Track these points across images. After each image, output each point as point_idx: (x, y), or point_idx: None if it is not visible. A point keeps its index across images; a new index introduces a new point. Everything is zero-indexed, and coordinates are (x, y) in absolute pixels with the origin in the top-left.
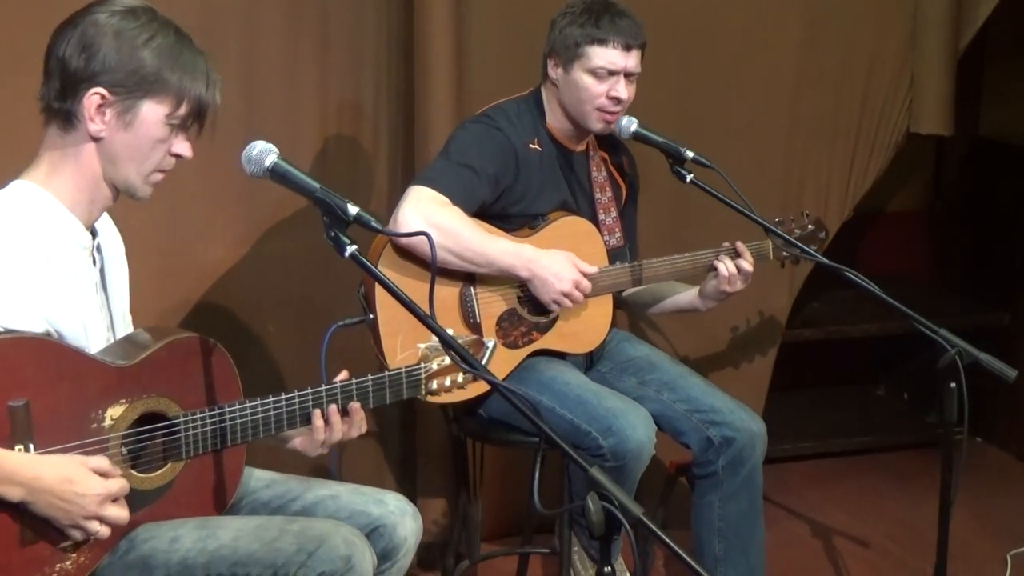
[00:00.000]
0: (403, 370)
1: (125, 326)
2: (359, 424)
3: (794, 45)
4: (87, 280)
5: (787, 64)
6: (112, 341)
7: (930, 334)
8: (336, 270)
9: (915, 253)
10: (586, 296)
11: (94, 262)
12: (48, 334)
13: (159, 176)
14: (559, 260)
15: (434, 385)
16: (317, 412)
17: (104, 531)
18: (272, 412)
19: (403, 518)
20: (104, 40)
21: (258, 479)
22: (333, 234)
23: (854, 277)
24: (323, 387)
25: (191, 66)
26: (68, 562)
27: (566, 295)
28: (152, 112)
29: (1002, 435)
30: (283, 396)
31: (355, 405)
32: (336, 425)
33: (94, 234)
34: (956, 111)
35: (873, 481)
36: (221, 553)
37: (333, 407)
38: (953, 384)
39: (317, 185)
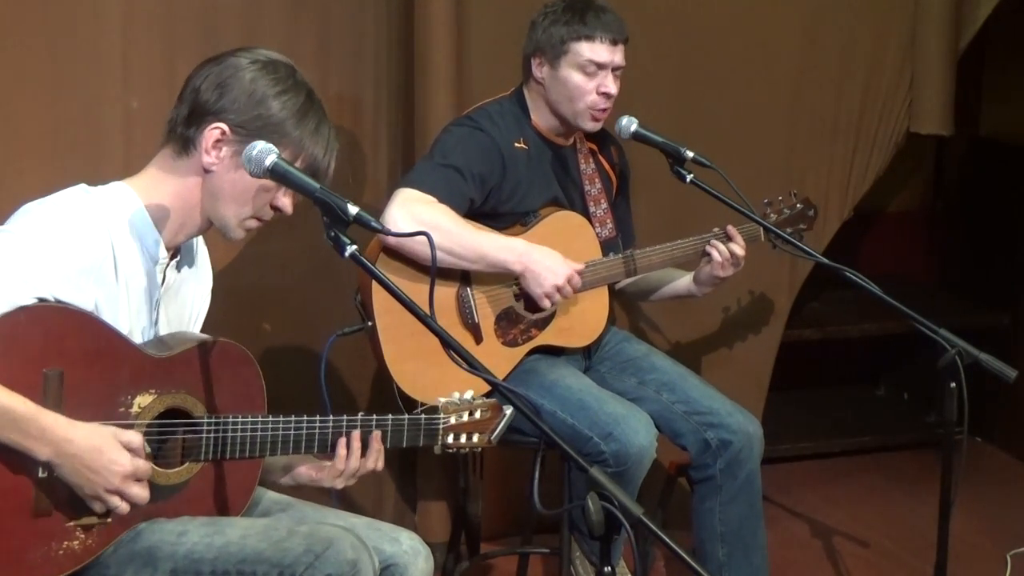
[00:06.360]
0: (423, 418)
1: None
2: (376, 457)
3: (794, 45)
4: (144, 292)
5: (787, 64)
6: None
7: (930, 334)
8: (335, 270)
9: (915, 253)
10: (576, 291)
11: (162, 281)
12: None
13: (255, 223)
14: (552, 254)
15: (449, 439)
16: (342, 441)
17: (124, 507)
18: (297, 431)
19: (416, 559)
20: (239, 82)
21: (275, 501)
22: (333, 234)
23: (854, 277)
24: (345, 418)
25: (314, 128)
26: (76, 542)
27: (559, 289)
28: None
29: (1002, 435)
30: (304, 419)
31: (376, 434)
32: (356, 454)
33: (176, 254)
34: (956, 111)
35: (873, 481)
36: (228, 550)
37: (357, 434)
38: (953, 384)
39: (317, 185)
